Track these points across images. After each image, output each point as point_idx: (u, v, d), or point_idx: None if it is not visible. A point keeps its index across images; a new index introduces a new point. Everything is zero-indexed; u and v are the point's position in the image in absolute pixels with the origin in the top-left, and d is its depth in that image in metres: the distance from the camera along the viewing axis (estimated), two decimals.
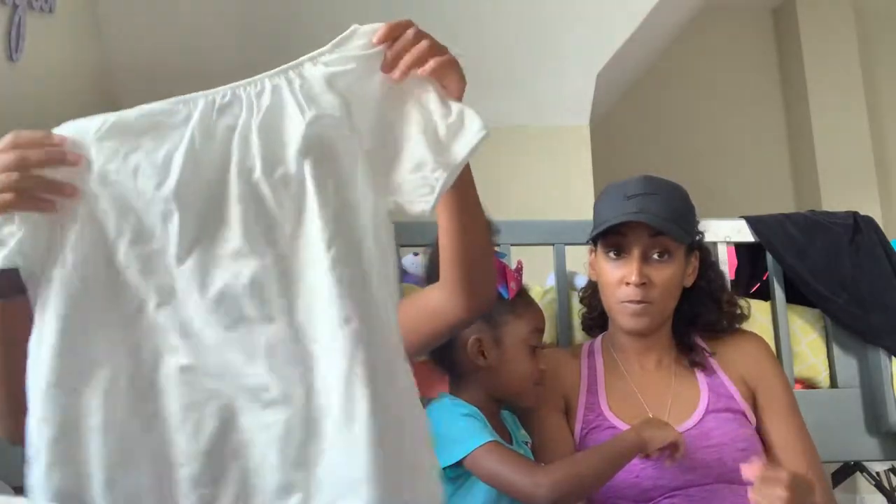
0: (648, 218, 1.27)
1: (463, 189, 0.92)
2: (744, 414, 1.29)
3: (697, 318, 1.38)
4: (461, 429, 1.20)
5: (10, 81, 2.06)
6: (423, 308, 1.08)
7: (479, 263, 1.02)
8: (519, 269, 1.35)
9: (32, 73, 2.18)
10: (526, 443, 1.32)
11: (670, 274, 1.30)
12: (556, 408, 1.35)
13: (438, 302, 1.06)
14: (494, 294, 1.11)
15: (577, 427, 1.33)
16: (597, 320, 1.47)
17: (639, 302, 1.28)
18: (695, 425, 1.27)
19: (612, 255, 1.31)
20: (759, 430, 1.30)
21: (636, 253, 1.28)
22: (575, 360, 1.41)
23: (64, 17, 2.39)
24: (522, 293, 1.34)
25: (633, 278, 1.27)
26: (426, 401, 1.32)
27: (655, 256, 1.29)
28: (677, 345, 1.37)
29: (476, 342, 1.28)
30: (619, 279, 1.30)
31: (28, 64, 2.13)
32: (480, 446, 1.18)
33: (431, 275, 1.37)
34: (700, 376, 1.34)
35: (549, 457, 1.29)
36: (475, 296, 1.04)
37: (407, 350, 0.83)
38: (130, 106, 0.77)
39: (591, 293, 1.47)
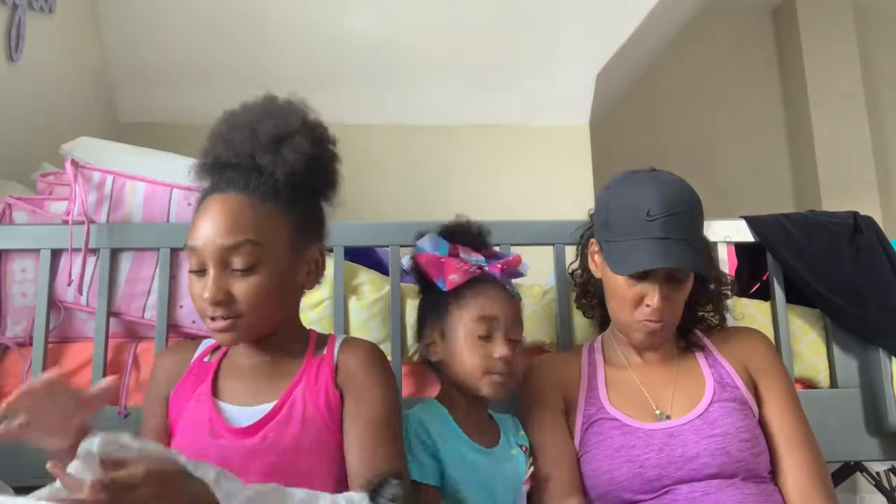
0: (680, 262, 1.23)
1: None
2: (748, 404, 1.30)
3: (702, 319, 1.39)
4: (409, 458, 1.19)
5: (10, 81, 2.06)
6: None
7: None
8: (510, 262, 1.34)
9: (32, 73, 2.17)
10: (521, 446, 1.31)
11: (686, 292, 1.30)
12: (555, 409, 1.35)
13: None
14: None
15: (579, 421, 1.33)
16: (597, 308, 1.47)
17: (658, 321, 1.28)
18: (700, 414, 1.27)
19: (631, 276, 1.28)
20: (761, 422, 1.30)
21: (659, 275, 1.25)
22: (576, 358, 1.42)
23: (64, 17, 2.39)
24: (474, 283, 1.30)
25: (656, 302, 1.25)
26: (418, 401, 1.33)
27: (674, 276, 1.27)
28: (678, 335, 1.38)
29: (428, 339, 1.29)
30: (637, 299, 1.28)
31: (28, 64, 2.13)
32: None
33: (419, 278, 1.37)
34: (704, 366, 1.34)
35: (547, 458, 1.29)
36: None
37: None
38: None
39: (590, 296, 1.46)
